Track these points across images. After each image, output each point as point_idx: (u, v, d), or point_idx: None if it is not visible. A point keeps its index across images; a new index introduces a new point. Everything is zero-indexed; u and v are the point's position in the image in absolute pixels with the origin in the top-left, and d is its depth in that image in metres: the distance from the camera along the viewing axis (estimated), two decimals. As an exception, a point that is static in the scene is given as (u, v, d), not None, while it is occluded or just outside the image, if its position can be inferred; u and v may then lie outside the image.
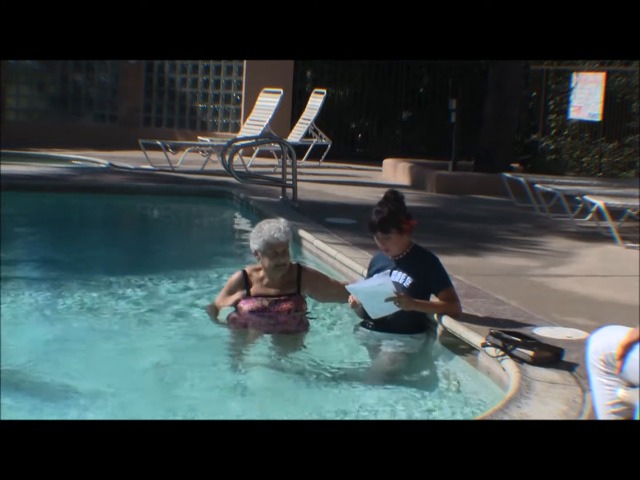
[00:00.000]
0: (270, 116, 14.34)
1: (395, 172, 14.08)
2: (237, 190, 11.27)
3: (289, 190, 10.66)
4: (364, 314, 5.52)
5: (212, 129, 17.43)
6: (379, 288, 5.22)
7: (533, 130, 15.88)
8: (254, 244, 5.54)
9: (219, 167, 12.42)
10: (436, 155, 15.18)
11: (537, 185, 10.43)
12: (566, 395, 4.15)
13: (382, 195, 5.47)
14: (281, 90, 14.61)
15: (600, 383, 3.64)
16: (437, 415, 4.38)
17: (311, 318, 5.73)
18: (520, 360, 4.57)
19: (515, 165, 14.32)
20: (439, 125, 16.68)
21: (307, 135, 15.62)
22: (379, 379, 4.94)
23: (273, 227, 5.52)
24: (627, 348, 3.45)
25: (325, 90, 15.70)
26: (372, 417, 4.32)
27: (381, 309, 5.27)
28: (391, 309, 5.22)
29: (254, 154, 14.77)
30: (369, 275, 5.60)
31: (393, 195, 5.40)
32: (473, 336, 5.00)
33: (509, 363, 4.58)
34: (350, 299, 5.45)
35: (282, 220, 5.67)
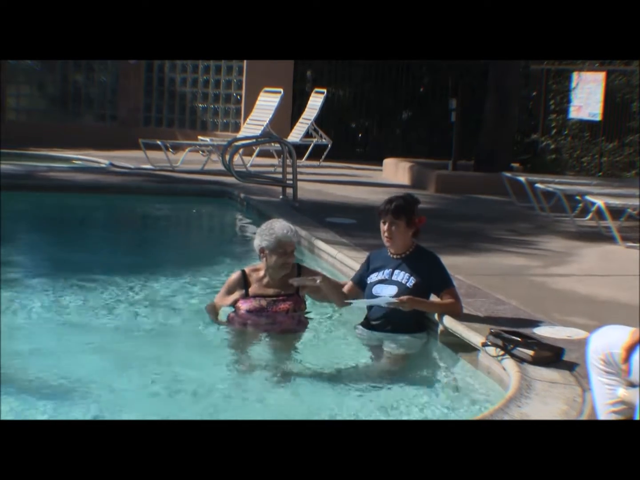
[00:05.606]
0: (271, 116, 14.34)
1: (395, 171, 14.07)
2: (237, 190, 11.27)
3: (289, 190, 10.67)
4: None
5: (212, 129, 17.43)
6: (378, 300, 5.34)
7: (533, 130, 15.87)
8: (264, 241, 5.52)
9: (219, 167, 12.42)
10: (436, 155, 15.17)
11: (538, 185, 10.42)
12: (566, 395, 4.15)
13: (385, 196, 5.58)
14: (281, 90, 14.61)
15: (600, 382, 3.64)
16: (438, 415, 4.38)
17: (310, 317, 5.73)
18: (520, 360, 4.58)
19: (516, 165, 14.31)
20: (439, 125, 16.67)
21: (307, 135, 15.61)
22: (379, 378, 4.94)
23: (285, 227, 5.57)
24: (630, 350, 3.45)
25: (325, 90, 15.69)
26: (371, 417, 4.32)
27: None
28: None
29: (254, 154, 14.76)
30: (367, 271, 5.61)
31: (410, 195, 5.67)
32: (473, 336, 5.00)
33: (509, 363, 4.59)
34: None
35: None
